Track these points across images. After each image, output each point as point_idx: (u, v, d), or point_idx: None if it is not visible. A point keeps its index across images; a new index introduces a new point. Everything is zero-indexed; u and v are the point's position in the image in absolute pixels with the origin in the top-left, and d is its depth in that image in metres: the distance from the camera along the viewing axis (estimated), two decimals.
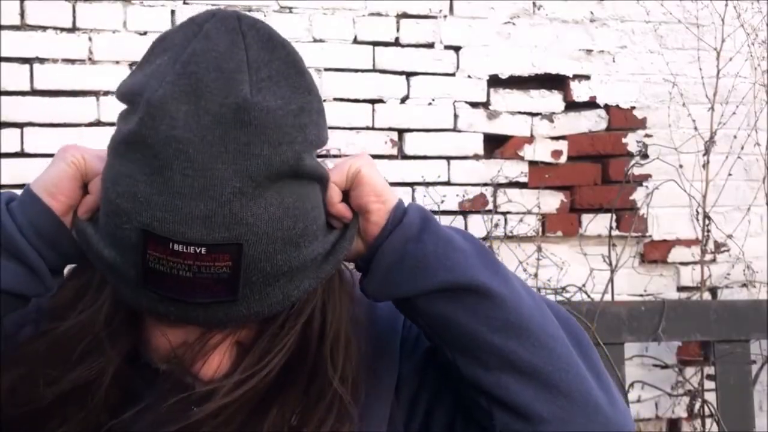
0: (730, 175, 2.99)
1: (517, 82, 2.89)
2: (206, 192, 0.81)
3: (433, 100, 2.80)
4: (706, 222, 2.95)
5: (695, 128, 2.94)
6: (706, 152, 2.92)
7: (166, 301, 0.84)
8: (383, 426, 0.97)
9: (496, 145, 2.87)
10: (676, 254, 3.02)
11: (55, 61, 2.49)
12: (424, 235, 0.91)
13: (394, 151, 2.77)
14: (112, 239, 0.85)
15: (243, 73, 0.83)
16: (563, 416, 0.89)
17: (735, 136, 2.98)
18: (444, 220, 2.76)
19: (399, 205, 0.93)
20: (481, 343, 0.90)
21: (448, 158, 2.81)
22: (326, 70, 2.70)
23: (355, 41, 2.73)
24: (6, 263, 0.86)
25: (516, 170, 2.85)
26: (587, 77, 2.93)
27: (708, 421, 2.90)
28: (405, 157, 2.78)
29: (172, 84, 0.82)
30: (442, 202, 2.77)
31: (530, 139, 2.87)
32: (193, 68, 0.82)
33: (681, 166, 2.95)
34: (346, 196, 0.92)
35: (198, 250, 0.81)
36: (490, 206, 2.83)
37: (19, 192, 0.90)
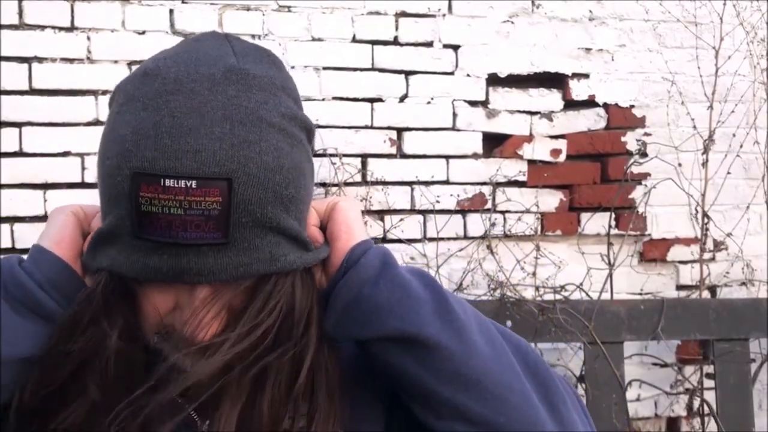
0: (729, 173, 2.99)
1: (516, 81, 2.89)
2: (197, 130, 0.84)
3: (432, 99, 2.80)
4: (705, 220, 2.95)
5: (694, 127, 2.94)
6: (705, 151, 2.92)
7: (159, 249, 0.85)
8: (380, 426, 0.98)
9: (495, 144, 2.87)
10: (675, 253, 3.02)
11: (53, 60, 2.49)
12: (380, 280, 0.92)
13: (393, 150, 2.76)
14: (108, 201, 0.88)
15: (230, 56, 0.92)
16: None
17: (734, 135, 2.98)
18: (441, 220, 2.77)
19: (362, 244, 0.95)
20: (430, 393, 0.91)
21: (447, 157, 2.81)
22: (325, 69, 2.70)
23: (354, 40, 2.73)
24: (27, 324, 0.89)
25: (515, 169, 2.85)
26: (586, 76, 2.94)
27: (707, 419, 2.90)
28: (404, 156, 2.78)
29: (164, 60, 0.91)
30: (438, 201, 2.77)
31: (529, 138, 2.87)
32: (184, 51, 0.93)
33: (680, 165, 2.95)
34: (324, 231, 0.97)
35: (189, 184, 0.83)
36: (488, 205, 2.83)
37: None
